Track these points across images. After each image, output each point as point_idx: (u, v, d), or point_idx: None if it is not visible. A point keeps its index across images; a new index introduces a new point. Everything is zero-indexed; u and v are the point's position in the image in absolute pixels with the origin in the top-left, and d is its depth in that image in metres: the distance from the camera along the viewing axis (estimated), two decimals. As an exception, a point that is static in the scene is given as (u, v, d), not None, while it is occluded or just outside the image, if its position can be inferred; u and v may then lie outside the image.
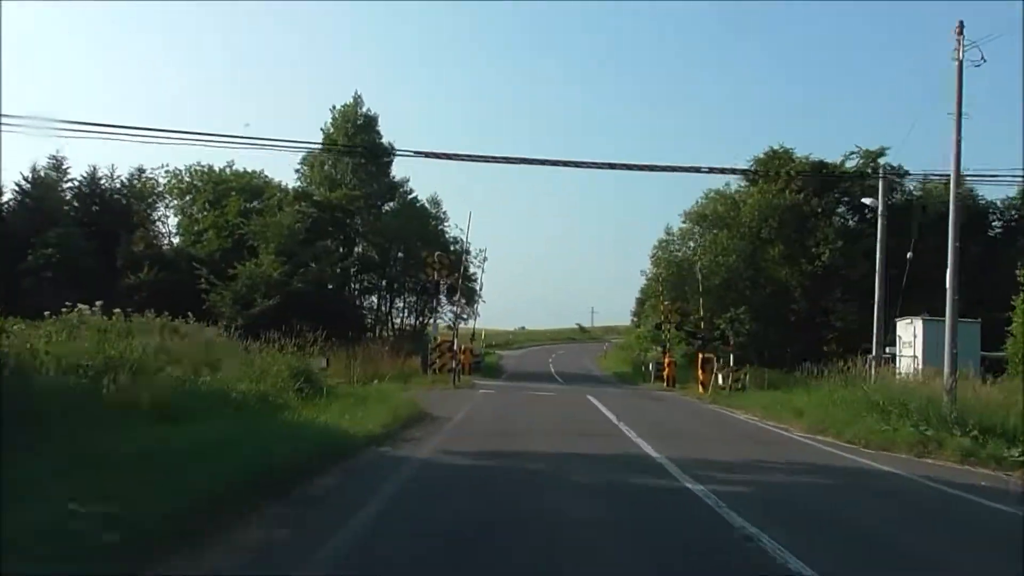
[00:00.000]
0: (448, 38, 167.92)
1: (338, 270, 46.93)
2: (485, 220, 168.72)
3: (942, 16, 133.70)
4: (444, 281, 44.15)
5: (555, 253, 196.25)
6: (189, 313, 21.83)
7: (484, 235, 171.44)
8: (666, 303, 41.88)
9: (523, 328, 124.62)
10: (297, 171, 57.19)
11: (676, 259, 48.14)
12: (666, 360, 40.79)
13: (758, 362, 47.79)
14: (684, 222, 50.25)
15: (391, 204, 58.41)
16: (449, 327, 43.90)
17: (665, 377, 40.68)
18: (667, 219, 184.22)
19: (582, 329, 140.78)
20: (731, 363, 34.97)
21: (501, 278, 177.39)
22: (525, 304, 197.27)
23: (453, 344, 35.03)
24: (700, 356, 38.42)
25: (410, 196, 59.71)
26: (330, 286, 51.24)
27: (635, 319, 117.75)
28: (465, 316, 60.61)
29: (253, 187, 50.04)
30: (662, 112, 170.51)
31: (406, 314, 60.76)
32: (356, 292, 55.50)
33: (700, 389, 35.93)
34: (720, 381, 34.01)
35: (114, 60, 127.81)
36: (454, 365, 33.06)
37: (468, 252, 48.58)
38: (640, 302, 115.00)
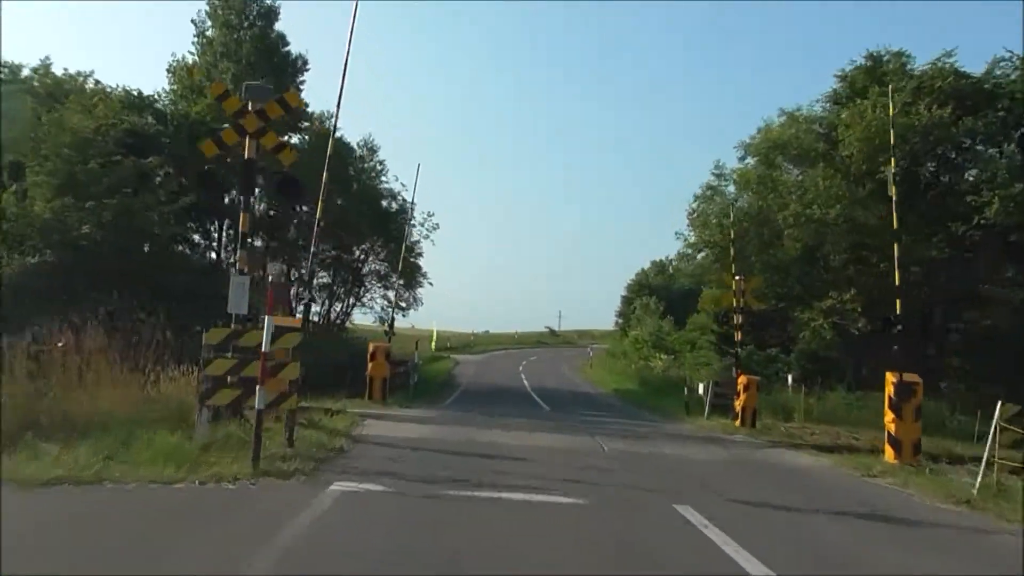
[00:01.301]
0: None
1: (168, 217, 27.66)
2: (446, 221, 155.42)
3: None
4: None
5: (520, 256, 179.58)
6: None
7: (447, 236, 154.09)
8: (738, 278, 23.68)
9: (487, 332, 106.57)
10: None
11: (733, 213, 30.02)
12: (740, 381, 22.69)
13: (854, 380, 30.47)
14: (743, 157, 32.29)
15: (298, 138, 39.91)
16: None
17: (738, 411, 22.66)
18: (645, 218, 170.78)
19: (552, 332, 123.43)
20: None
21: (463, 280, 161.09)
22: (488, 307, 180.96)
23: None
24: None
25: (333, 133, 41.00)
26: (187, 249, 33.11)
27: (620, 320, 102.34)
28: (404, 304, 42.65)
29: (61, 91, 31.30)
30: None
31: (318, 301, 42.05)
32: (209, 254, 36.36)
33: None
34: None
35: None
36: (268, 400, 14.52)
37: (411, 210, 30.39)
38: (627, 301, 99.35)
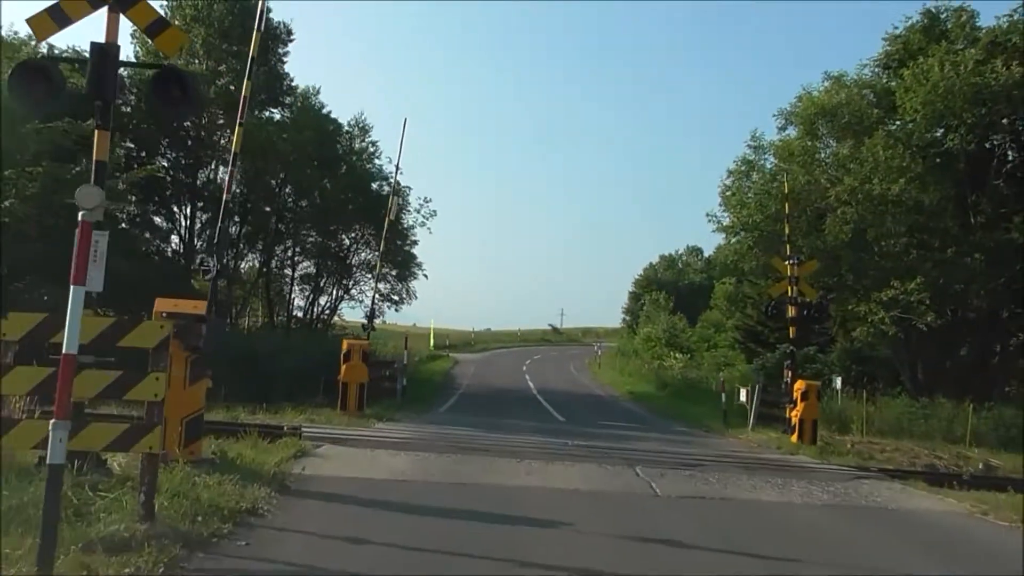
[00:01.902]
0: None
1: (124, 193, 23.55)
2: (447, 217, 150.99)
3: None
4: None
5: (521, 254, 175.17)
6: None
7: (448, 233, 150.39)
8: (791, 262, 19.46)
9: (488, 329, 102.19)
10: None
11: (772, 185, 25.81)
12: (797, 387, 18.50)
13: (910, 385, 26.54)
14: (783, 127, 28.03)
15: (279, 113, 35.71)
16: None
17: (794, 423, 18.49)
18: (646, 215, 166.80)
19: (556, 330, 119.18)
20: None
21: (464, 277, 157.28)
22: (489, 305, 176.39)
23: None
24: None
25: (318, 108, 36.88)
26: (146, 232, 28.96)
27: (627, 318, 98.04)
28: (396, 298, 38.61)
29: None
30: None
31: (296, 292, 37.94)
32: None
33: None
34: None
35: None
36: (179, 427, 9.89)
37: (396, 172, 26.03)
38: (635, 297, 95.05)
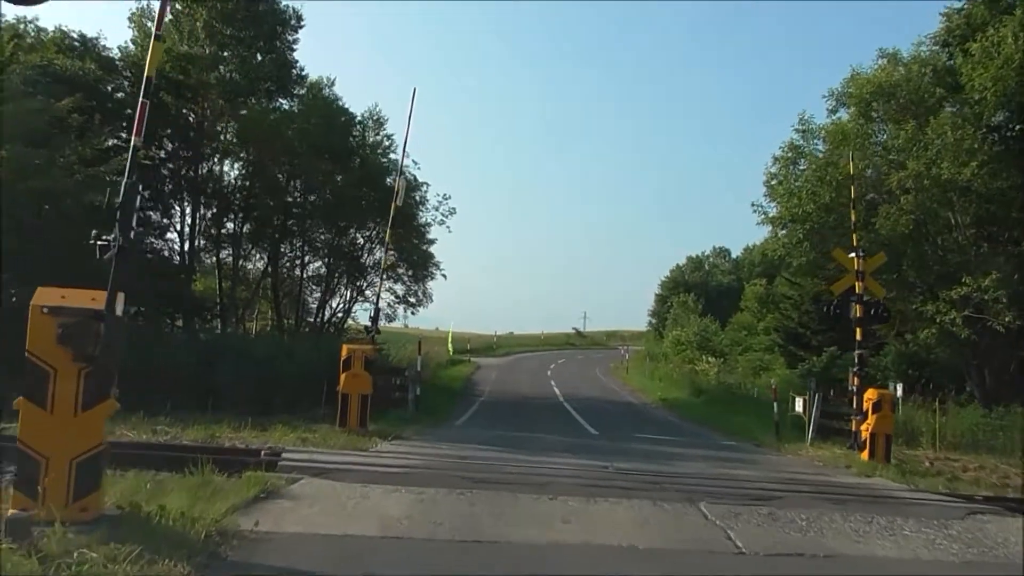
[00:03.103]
0: None
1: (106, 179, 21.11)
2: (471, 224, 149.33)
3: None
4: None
5: (544, 258, 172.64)
6: None
7: (468, 239, 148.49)
8: (858, 256, 16.85)
9: (511, 333, 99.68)
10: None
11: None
12: (868, 397, 15.99)
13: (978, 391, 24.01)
14: (833, 109, 25.41)
15: (287, 103, 33.44)
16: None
17: (863, 436, 15.96)
18: (666, 218, 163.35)
19: (579, 334, 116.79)
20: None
21: (486, 281, 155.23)
22: (511, 309, 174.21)
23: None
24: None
25: (331, 100, 34.59)
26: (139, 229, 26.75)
27: (653, 320, 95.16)
28: (412, 300, 36.34)
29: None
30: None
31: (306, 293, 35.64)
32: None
33: None
34: None
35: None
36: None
37: (404, 145, 23.50)
38: (661, 299, 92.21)
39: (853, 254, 17.16)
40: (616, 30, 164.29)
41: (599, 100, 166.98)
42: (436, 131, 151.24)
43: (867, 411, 16.04)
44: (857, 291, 16.97)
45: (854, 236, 17.41)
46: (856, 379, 16.98)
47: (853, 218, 17.59)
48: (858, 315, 17.06)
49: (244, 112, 29.75)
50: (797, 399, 19.66)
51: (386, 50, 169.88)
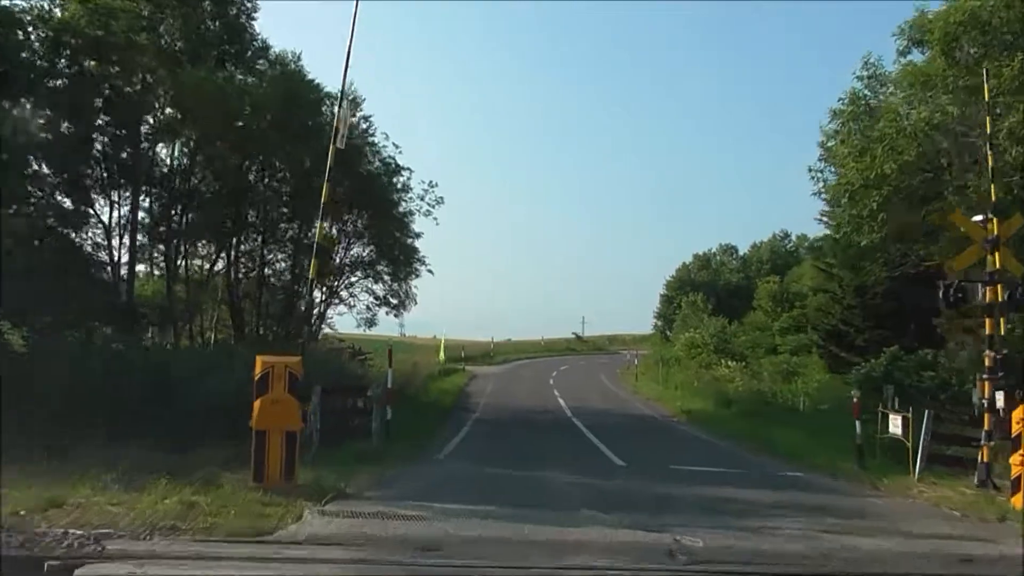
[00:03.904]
0: None
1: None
2: (464, 227, 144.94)
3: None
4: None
5: (539, 263, 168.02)
6: None
7: (463, 243, 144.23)
8: (982, 218, 12.17)
9: (509, 340, 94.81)
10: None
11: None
12: (1016, 418, 11.22)
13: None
14: (905, 50, 20.46)
15: (243, 75, 28.50)
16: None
17: (1016, 473, 11.16)
18: (662, 220, 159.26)
19: (580, 338, 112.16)
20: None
21: (481, 287, 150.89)
22: (508, 315, 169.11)
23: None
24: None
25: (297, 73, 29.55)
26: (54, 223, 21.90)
27: (659, 322, 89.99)
28: (394, 300, 31.60)
29: None
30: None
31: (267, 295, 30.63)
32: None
33: None
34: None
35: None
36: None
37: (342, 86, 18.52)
38: (667, 300, 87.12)
39: (980, 217, 12.39)
40: (614, 30, 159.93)
41: (596, 101, 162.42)
42: (435, 139, 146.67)
43: (1019, 436, 11.23)
44: (990, 268, 12.16)
45: (991, 188, 12.53)
46: (990, 388, 12.18)
47: (991, 162, 12.68)
48: (991, 299, 12.25)
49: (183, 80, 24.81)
50: (893, 417, 14.79)
51: (384, 56, 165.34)
